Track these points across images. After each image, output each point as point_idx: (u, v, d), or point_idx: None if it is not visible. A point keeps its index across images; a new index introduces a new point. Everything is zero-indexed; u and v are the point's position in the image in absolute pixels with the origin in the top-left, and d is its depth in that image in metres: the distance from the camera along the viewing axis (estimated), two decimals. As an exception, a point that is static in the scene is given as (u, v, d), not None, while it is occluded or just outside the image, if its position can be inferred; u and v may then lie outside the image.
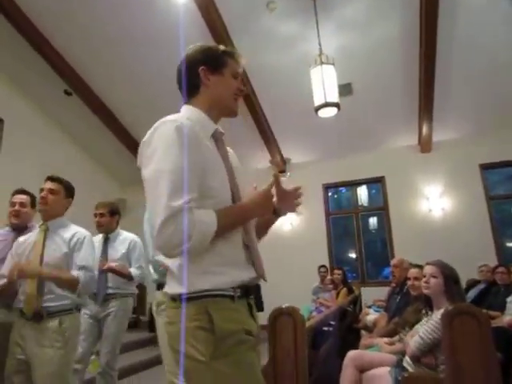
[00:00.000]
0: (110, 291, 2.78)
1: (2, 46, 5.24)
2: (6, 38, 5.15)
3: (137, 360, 4.40)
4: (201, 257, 1.03)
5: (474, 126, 6.19)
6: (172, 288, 1.07)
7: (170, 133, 1.03)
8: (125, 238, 2.98)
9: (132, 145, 7.12)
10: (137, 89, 6.07)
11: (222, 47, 1.25)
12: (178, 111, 1.24)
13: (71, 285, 2.00)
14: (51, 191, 2.13)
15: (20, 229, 2.39)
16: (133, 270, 2.86)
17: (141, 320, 6.54)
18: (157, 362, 4.68)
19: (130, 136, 7.03)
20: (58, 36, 5.34)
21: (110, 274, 2.79)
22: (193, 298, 1.01)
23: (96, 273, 2.32)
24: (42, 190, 2.14)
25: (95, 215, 2.92)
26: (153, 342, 5.40)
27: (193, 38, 5.13)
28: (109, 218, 2.93)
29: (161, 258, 1.16)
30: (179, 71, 1.23)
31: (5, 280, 1.99)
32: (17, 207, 2.38)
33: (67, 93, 6.14)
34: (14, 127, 5.54)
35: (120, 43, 5.36)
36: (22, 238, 2.19)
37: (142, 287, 7.14)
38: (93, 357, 3.64)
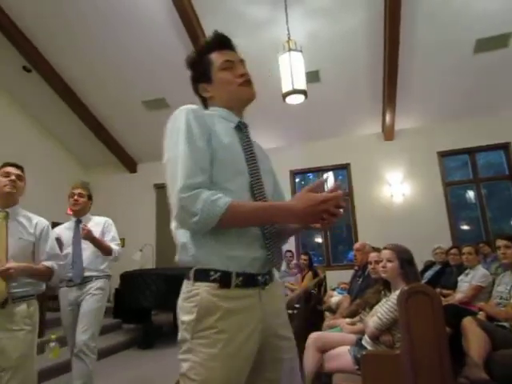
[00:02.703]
0: (87, 274, 2.70)
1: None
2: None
3: (102, 346, 4.33)
4: None
5: (434, 116, 6.45)
6: None
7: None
8: (98, 221, 2.91)
9: (95, 126, 6.86)
10: (101, 67, 5.82)
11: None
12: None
13: (46, 275, 2.05)
14: (19, 177, 2.12)
15: None
16: (112, 245, 2.80)
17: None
18: (122, 347, 4.66)
19: (93, 117, 6.75)
20: (17, 6, 4.99)
21: (85, 257, 2.71)
22: None
23: (69, 257, 2.51)
24: (7, 174, 2.09)
25: (73, 194, 2.80)
26: (118, 327, 5.36)
27: (160, 18, 5.00)
28: (86, 201, 2.86)
29: None
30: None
31: None
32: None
33: (26, 69, 5.77)
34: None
35: (86, 16, 5.09)
36: None
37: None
38: (53, 344, 3.55)
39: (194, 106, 1.12)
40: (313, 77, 5.58)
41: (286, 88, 4.04)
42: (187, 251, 1.05)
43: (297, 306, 3.10)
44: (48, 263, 2.06)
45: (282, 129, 6.88)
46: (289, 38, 4.18)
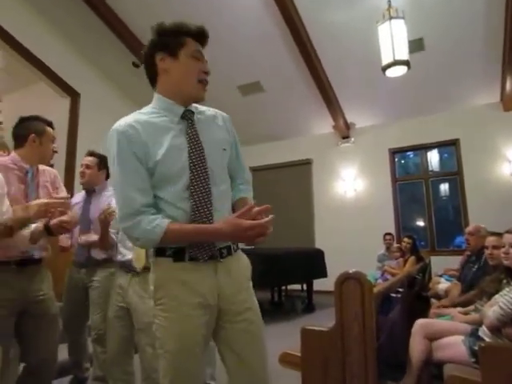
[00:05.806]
0: None
1: (78, 26, 5.53)
2: (80, 16, 5.43)
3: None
4: None
5: None
6: None
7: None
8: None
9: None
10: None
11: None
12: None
13: None
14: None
15: (89, 191, 2.50)
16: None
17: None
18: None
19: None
20: (126, 9, 5.52)
21: None
22: None
23: None
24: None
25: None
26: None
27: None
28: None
29: None
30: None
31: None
32: (82, 169, 2.50)
33: (135, 65, 6.38)
34: (89, 100, 5.92)
35: (184, 16, 5.41)
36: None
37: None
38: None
39: (124, 126, 1.13)
40: (416, 45, 5.11)
41: (386, 60, 3.80)
42: None
43: (400, 289, 2.95)
44: None
45: (380, 104, 6.48)
46: (389, 5, 3.89)
